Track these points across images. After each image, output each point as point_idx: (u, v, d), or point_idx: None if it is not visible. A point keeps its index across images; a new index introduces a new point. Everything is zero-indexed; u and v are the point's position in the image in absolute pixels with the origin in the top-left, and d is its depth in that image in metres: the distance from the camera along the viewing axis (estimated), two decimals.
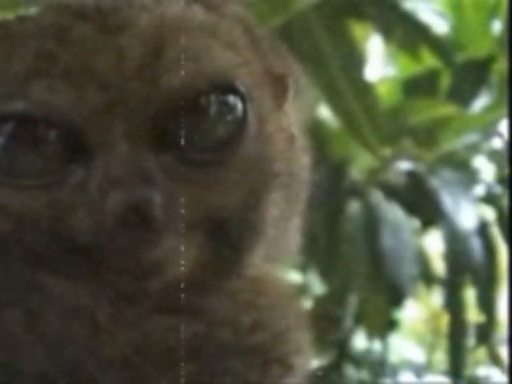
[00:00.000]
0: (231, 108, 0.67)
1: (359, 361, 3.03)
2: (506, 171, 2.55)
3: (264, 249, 0.73)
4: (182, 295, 0.66)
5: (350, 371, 2.99)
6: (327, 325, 2.71)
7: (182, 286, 0.65)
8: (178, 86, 0.64)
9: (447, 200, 2.79)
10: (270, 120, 0.71)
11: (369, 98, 2.30)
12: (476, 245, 2.77)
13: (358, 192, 2.83)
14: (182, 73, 0.64)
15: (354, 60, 2.27)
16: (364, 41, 2.60)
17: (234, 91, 0.67)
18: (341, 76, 2.23)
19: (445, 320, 3.09)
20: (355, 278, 2.83)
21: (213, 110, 0.66)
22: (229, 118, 0.67)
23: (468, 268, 2.82)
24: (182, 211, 0.64)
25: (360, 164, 2.80)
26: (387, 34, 2.39)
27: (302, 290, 2.81)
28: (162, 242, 0.63)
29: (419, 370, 3.46)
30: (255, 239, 0.70)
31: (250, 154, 0.68)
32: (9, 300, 0.62)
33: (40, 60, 0.63)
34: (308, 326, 0.76)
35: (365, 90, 2.28)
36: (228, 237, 0.68)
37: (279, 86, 0.74)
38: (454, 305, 2.88)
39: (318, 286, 2.95)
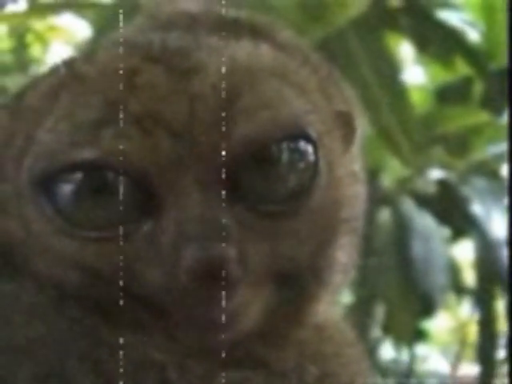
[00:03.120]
0: (303, 155, 0.64)
1: (386, 370, 3.00)
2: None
3: (329, 295, 0.71)
4: (251, 347, 0.64)
5: (377, 381, 2.97)
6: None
7: (251, 338, 0.63)
8: (252, 134, 0.62)
9: (479, 209, 2.76)
10: (339, 165, 0.68)
11: (403, 107, 2.27)
12: (507, 254, 2.73)
13: (388, 200, 2.80)
14: (256, 121, 0.61)
15: (389, 69, 2.24)
16: (395, 48, 2.57)
17: (306, 138, 0.64)
18: (375, 85, 2.21)
19: (472, 330, 3.06)
20: (384, 287, 2.81)
21: (285, 157, 0.63)
22: (300, 165, 0.64)
23: (499, 277, 2.79)
24: (255, 264, 0.61)
25: (391, 172, 2.77)
26: (422, 43, 2.36)
27: None
28: (234, 296, 0.60)
29: (445, 380, 3.43)
30: (323, 287, 0.68)
31: (320, 202, 0.65)
32: (76, 353, 0.60)
33: (109, 106, 0.60)
34: (369, 368, 0.74)
35: (399, 99, 2.26)
36: (296, 286, 0.66)
37: (347, 129, 0.72)
38: (484, 314, 2.85)
39: (345, 295, 2.92)
